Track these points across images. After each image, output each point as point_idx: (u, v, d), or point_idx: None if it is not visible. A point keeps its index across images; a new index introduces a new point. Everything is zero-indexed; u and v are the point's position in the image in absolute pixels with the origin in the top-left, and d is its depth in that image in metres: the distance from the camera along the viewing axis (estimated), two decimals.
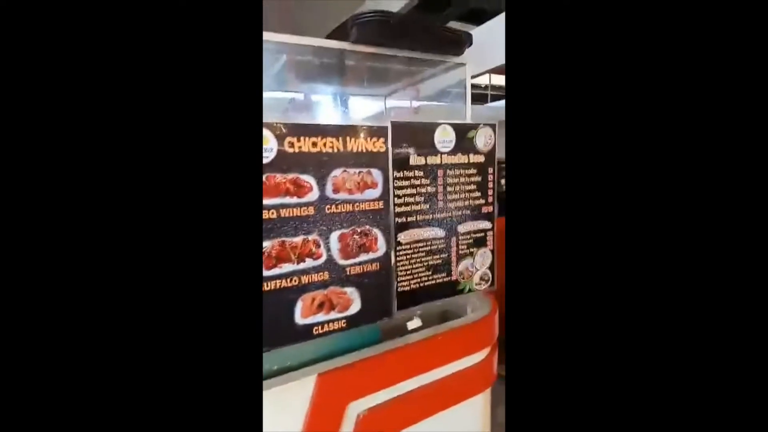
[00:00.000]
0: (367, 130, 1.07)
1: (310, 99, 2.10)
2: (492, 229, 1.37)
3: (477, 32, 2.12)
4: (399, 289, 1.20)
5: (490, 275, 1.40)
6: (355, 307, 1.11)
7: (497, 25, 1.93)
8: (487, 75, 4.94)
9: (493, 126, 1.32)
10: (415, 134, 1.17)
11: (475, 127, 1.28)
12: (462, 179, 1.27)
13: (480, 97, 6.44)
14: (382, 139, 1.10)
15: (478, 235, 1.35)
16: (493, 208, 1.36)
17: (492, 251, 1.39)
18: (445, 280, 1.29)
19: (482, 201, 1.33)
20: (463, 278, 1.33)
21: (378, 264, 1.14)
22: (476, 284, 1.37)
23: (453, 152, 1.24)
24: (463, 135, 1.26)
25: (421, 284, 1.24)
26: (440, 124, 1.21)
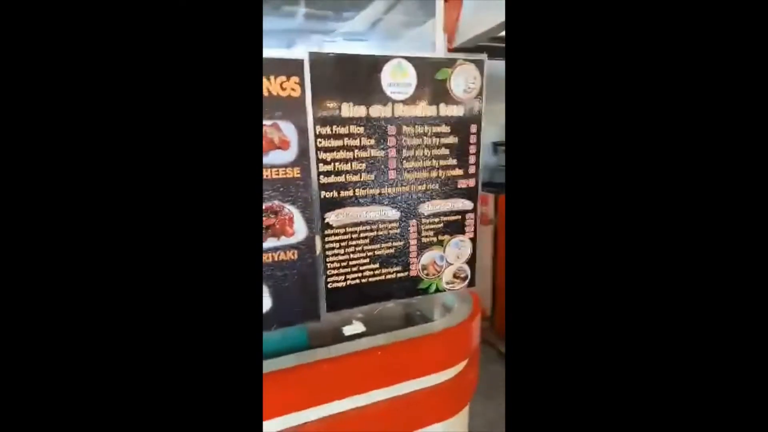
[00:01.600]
0: (270, 64, 0.75)
1: None
2: (474, 210, 1.01)
3: None
4: (329, 286, 0.91)
5: (468, 271, 1.05)
6: (263, 306, 0.85)
7: None
8: None
9: (479, 63, 0.92)
10: (349, 73, 0.82)
11: (449, 63, 0.89)
12: (427, 140, 0.91)
13: None
14: (295, 79, 0.77)
15: (452, 218, 0.99)
16: (476, 182, 0.99)
17: (472, 240, 1.03)
18: (399, 275, 0.98)
19: (459, 171, 0.97)
20: (428, 275, 1.00)
21: (296, 252, 0.85)
22: (447, 283, 1.03)
23: (412, 101, 0.88)
24: (430, 76, 0.88)
25: (363, 280, 0.94)
26: (392, 58, 0.84)
